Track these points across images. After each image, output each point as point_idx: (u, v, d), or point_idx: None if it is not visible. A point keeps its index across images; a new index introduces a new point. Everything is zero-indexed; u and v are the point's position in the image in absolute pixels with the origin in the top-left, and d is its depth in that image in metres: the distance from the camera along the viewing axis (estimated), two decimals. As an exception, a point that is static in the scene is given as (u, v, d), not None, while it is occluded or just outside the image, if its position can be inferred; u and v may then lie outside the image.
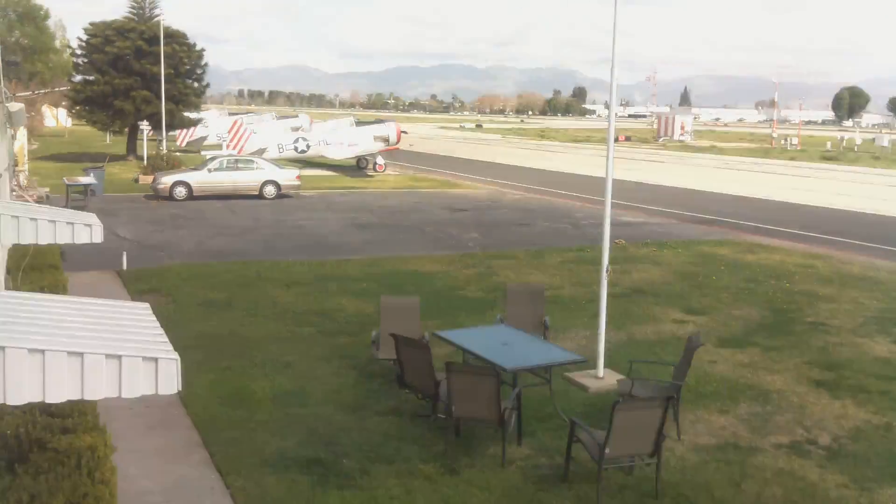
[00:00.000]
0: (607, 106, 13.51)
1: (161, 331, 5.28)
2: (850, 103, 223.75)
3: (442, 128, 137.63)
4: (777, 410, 10.56)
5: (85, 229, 9.28)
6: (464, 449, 9.08)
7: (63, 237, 9.21)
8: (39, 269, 13.68)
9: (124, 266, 18.18)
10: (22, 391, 4.38)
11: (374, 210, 29.91)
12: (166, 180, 31.58)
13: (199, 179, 31.81)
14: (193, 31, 54.64)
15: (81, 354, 4.43)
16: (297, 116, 63.16)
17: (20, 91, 50.91)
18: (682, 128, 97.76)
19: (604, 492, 8.02)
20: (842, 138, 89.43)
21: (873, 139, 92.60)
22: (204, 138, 55.21)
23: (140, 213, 27.89)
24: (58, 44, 73.22)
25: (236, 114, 71.09)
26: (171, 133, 49.65)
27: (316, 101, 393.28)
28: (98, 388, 4.50)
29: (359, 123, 49.37)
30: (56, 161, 45.68)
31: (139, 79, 47.52)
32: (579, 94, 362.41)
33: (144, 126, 43.41)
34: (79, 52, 50.11)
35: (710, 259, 21.07)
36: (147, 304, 6.03)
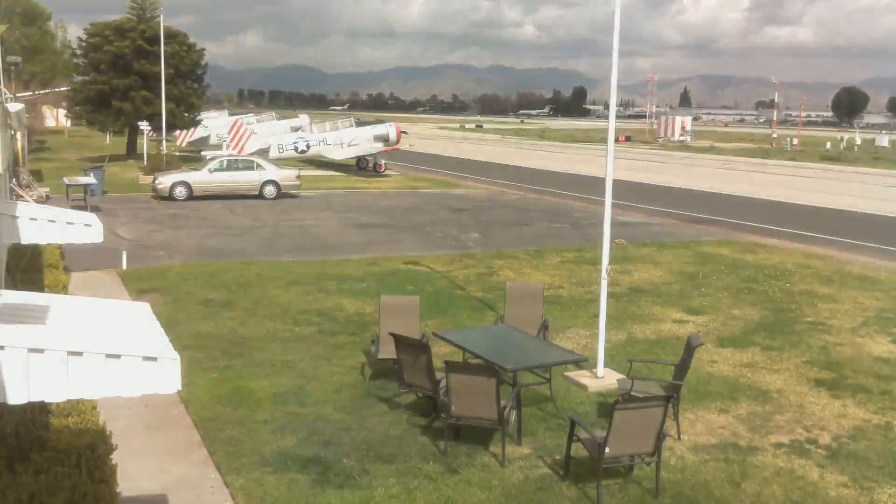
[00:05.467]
0: (607, 106, 13.51)
1: (161, 331, 5.28)
2: (849, 104, 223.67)
3: (442, 128, 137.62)
4: (777, 410, 10.56)
5: (85, 229, 9.29)
6: (464, 449, 9.09)
7: (63, 237, 9.23)
8: (39, 269, 13.70)
9: (124, 266, 18.19)
10: (22, 391, 4.38)
11: (374, 210, 29.91)
12: (166, 180, 31.58)
13: (199, 179, 31.81)
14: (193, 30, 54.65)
15: (81, 354, 4.43)
16: (297, 116, 63.03)
17: (20, 91, 50.90)
18: (683, 128, 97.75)
19: (604, 492, 8.03)
20: (841, 138, 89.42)
21: (873, 139, 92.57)
22: (205, 139, 55.18)
23: (140, 213, 27.89)
24: (58, 44, 73.21)
25: (236, 114, 71.03)
26: (171, 133, 49.65)
27: (316, 101, 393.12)
28: (98, 388, 4.50)
29: (359, 123, 49.38)
30: (56, 161, 45.68)
31: (139, 79, 47.51)
32: (579, 94, 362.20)
33: (144, 126, 43.42)
34: (79, 52, 50.12)
35: (710, 259, 21.07)
36: (147, 304, 6.03)
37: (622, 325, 14.29)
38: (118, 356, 4.51)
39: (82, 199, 27.16)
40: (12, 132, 20.30)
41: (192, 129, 54.37)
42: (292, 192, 33.04)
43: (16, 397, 4.40)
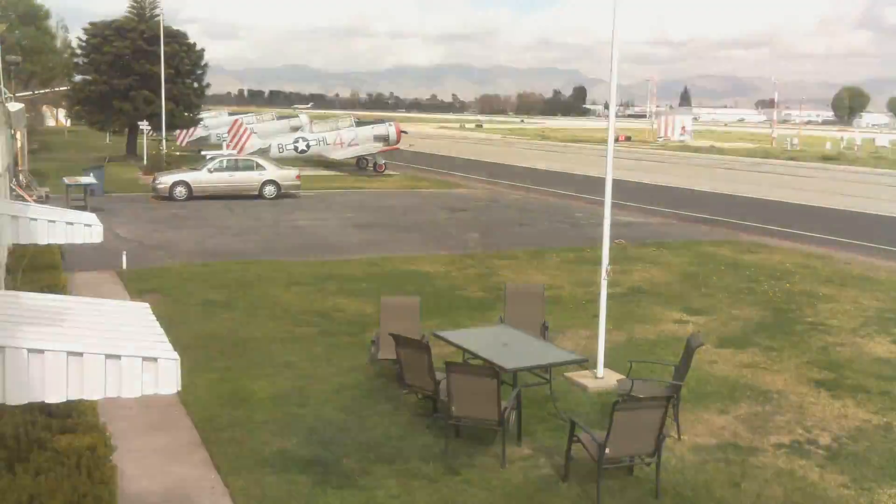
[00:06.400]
0: (607, 106, 13.51)
1: (161, 331, 5.29)
2: (849, 103, 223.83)
3: (442, 128, 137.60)
4: (777, 410, 10.56)
5: (85, 229, 9.30)
6: (464, 449, 9.09)
7: (63, 237, 9.23)
8: (39, 269, 13.69)
9: (124, 266, 18.18)
10: (22, 391, 4.39)
11: (374, 210, 29.90)
12: (166, 180, 31.58)
13: (199, 179, 31.79)
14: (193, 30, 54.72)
15: (81, 354, 4.44)
16: (297, 116, 62.99)
17: (20, 91, 50.87)
18: (683, 128, 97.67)
19: (604, 492, 8.02)
20: (842, 138, 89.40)
21: (873, 139, 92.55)
22: (204, 138, 55.19)
23: (140, 213, 27.89)
24: (58, 44, 73.09)
25: (236, 113, 70.99)
26: (170, 133, 49.65)
27: (316, 101, 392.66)
28: (98, 388, 4.50)
29: (359, 123, 49.35)
30: (56, 161, 45.65)
31: (139, 79, 47.51)
32: (579, 93, 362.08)
33: (144, 126, 43.41)
34: (79, 52, 50.12)
35: (710, 259, 21.07)
36: (147, 304, 6.04)
37: (622, 325, 14.29)
38: (118, 357, 4.51)
39: (82, 199, 27.14)
40: (12, 132, 20.30)
41: (191, 129, 54.38)
42: (292, 191, 33.04)
43: (16, 398, 4.40)
